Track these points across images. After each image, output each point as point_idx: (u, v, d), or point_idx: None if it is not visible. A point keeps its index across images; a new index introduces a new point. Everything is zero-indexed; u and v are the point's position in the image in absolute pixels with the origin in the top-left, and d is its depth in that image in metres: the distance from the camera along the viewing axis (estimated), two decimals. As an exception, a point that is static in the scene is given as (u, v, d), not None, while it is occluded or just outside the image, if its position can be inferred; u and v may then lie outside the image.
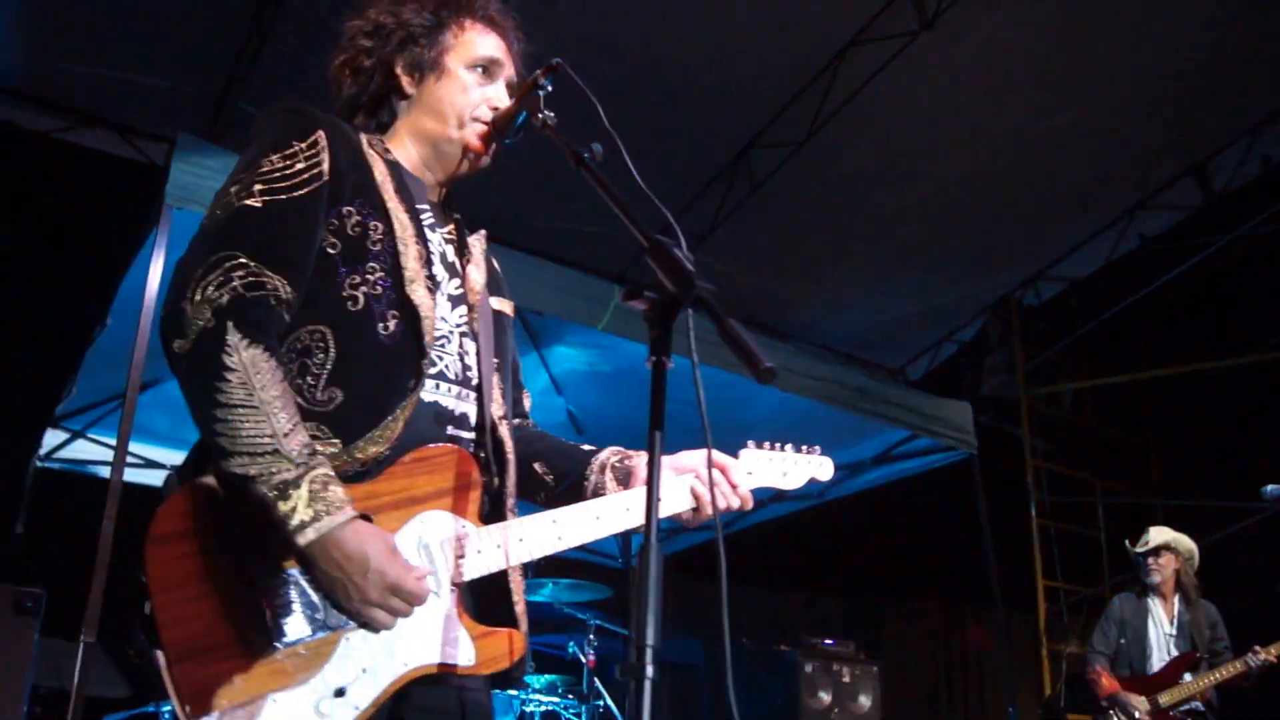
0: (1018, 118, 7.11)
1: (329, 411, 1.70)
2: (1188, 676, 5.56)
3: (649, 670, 1.37)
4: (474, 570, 1.70)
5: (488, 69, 2.03)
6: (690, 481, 1.99)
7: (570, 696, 5.30)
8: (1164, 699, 5.53)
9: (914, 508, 9.22)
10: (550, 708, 5.30)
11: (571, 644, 5.55)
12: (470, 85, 2.00)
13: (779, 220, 7.79)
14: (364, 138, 1.95)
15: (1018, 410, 8.87)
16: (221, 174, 4.00)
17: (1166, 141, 7.59)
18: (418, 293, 1.80)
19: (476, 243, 2.07)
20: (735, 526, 8.00)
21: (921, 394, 6.86)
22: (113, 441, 5.92)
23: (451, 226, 2.05)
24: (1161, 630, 5.78)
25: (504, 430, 1.93)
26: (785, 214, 7.75)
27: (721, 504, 1.97)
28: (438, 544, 1.69)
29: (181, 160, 3.94)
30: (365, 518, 1.64)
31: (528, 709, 5.25)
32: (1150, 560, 5.85)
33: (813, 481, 2.20)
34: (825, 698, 6.32)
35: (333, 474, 1.60)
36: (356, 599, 1.57)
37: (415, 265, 1.83)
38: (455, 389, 1.86)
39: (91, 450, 5.98)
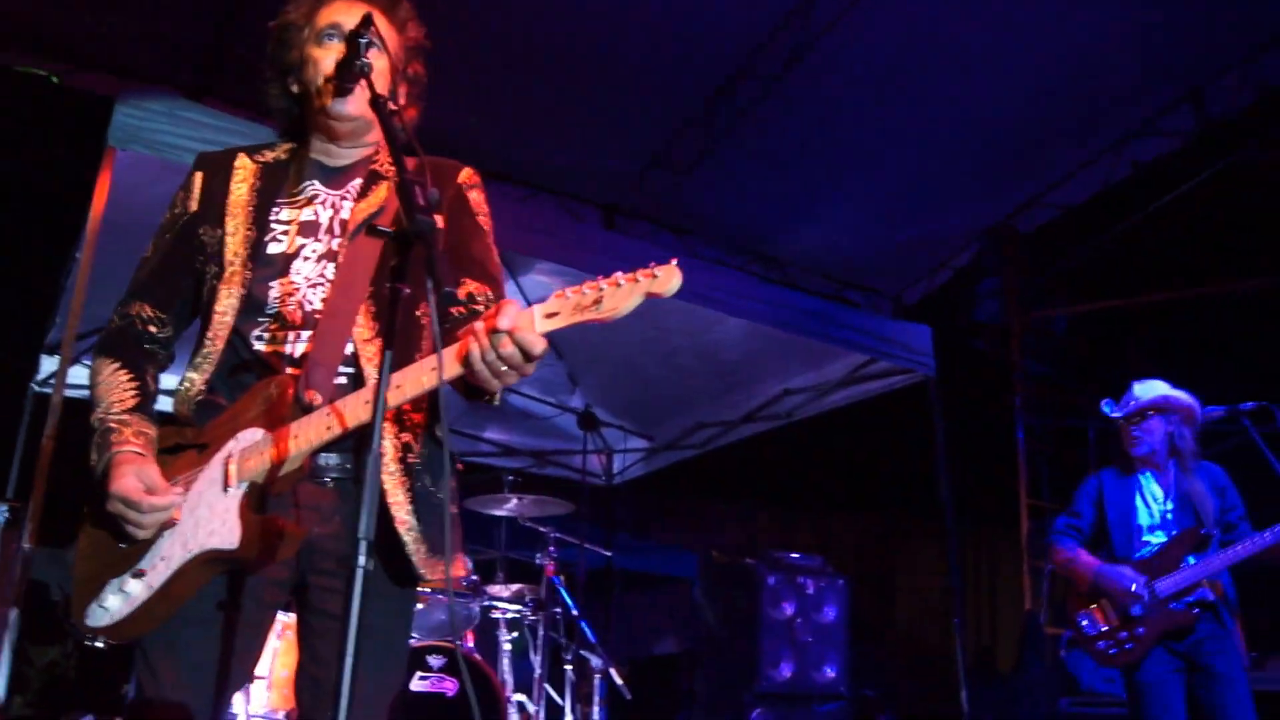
0: (1007, 44, 7.12)
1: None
2: (1191, 559, 4.29)
3: (362, 559, 1.64)
4: (258, 467, 2.01)
5: (334, 33, 2.20)
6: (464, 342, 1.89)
7: (530, 601, 5.71)
8: (1163, 588, 4.27)
9: (913, 428, 9.45)
10: (513, 615, 5.71)
11: (538, 556, 5.94)
12: (322, 57, 2.20)
13: (767, 150, 7.91)
14: (242, 153, 2.31)
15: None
16: (162, 117, 4.29)
17: (1161, 67, 7.54)
18: (225, 273, 2.17)
19: (390, 183, 2.22)
20: (715, 445, 8.29)
21: (877, 317, 7.02)
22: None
23: (358, 182, 2.25)
24: (1154, 505, 4.48)
25: (368, 351, 2.11)
26: (773, 144, 7.87)
27: (496, 363, 1.84)
28: (239, 452, 2.02)
29: (124, 103, 4.20)
30: (141, 454, 2.07)
31: (493, 615, 5.67)
32: (1133, 428, 4.53)
33: (652, 297, 1.80)
34: (788, 609, 6.63)
35: (112, 427, 2.08)
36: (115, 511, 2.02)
37: (236, 250, 2.18)
38: (295, 333, 2.12)
39: (82, 375, 6.40)
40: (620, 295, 1.79)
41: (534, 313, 1.84)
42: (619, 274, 1.81)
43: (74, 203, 5.19)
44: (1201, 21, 7.11)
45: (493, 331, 1.82)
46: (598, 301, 1.80)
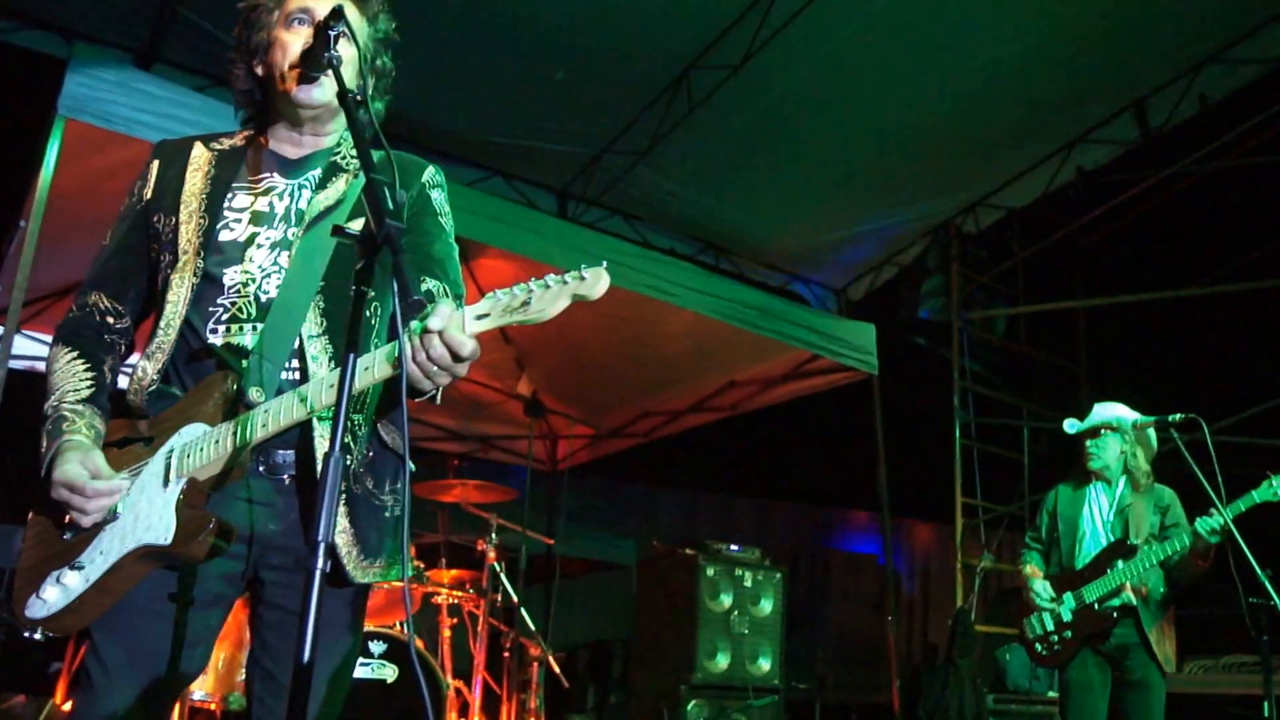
0: (959, 48, 7.23)
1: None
2: (1119, 565, 4.60)
3: (319, 562, 1.64)
4: (198, 463, 2.01)
5: (303, 17, 2.17)
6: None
7: (471, 590, 5.71)
8: (1089, 593, 4.63)
9: (854, 423, 9.57)
10: (454, 601, 5.70)
11: (481, 541, 5.92)
12: (290, 41, 2.16)
13: (720, 140, 8.00)
14: (199, 142, 2.28)
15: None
16: (115, 87, 4.17)
17: (1106, 78, 7.70)
18: (179, 261, 2.15)
19: (351, 176, 2.23)
20: (659, 434, 8.33)
21: (823, 314, 7.10)
22: (46, 337, 6.25)
23: (317, 172, 2.24)
24: (1099, 518, 4.82)
25: (315, 346, 2.11)
26: (727, 134, 7.95)
27: (426, 364, 1.85)
28: (180, 447, 2.02)
29: (76, 71, 4.06)
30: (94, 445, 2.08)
31: (434, 601, 5.66)
32: (1088, 441, 4.85)
33: (580, 299, 1.81)
34: (726, 600, 6.68)
35: (66, 415, 2.08)
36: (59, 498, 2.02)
37: (190, 238, 2.15)
38: (250, 325, 2.10)
39: (25, 346, 6.25)
40: (548, 297, 1.80)
41: (465, 314, 1.84)
42: (549, 275, 1.81)
43: (17, 167, 5.03)
44: (1146, 36, 7.27)
45: (424, 333, 1.82)
46: (526, 303, 1.80)
